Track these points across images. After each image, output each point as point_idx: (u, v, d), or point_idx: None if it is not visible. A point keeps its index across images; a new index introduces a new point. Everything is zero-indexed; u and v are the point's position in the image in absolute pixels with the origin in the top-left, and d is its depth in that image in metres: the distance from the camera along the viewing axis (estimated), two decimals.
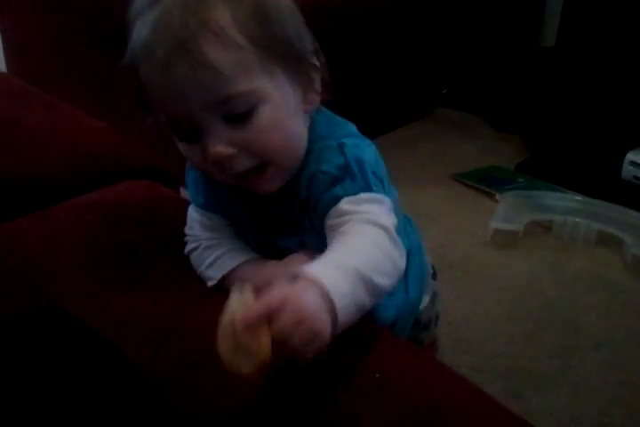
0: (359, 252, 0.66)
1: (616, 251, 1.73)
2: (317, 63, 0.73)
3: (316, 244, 0.75)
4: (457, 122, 2.53)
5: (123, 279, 0.82)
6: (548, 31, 2.44)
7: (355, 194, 0.70)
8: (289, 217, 0.77)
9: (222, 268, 0.81)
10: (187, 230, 0.86)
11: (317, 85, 0.73)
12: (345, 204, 0.70)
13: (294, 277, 0.61)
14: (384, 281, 0.66)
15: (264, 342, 0.55)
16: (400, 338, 0.87)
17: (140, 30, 0.66)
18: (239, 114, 0.67)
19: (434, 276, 1.04)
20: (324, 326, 0.58)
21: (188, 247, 0.85)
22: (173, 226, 0.89)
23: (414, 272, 0.87)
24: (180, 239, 0.87)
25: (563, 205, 1.85)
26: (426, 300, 0.98)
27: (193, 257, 0.85)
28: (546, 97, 2.21)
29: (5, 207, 0.95)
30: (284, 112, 0.70)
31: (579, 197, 1.90)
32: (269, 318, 0.56)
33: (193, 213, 0.85)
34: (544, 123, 2.22)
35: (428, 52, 2.45)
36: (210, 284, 0.81)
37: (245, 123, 0.68)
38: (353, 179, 0.71)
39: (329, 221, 0.71)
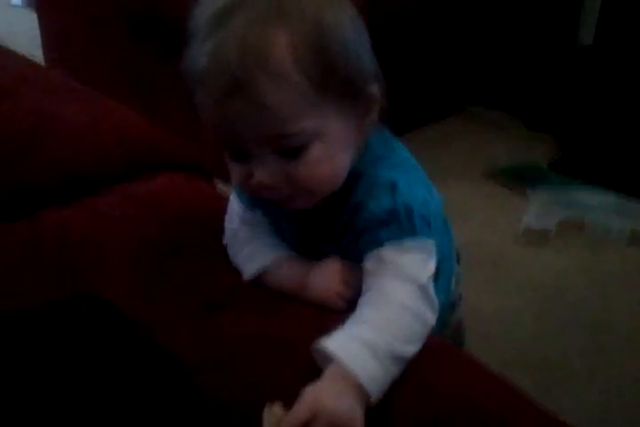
0: (391, 326, 0.67)
1: None
2: (376, 92, 0.72)
3: (354, 256, 0.75)
4: (489, 120, 2.53)
5: (163, 271, 0.84)
6: (585, 29, 2.42)
7: (399, 239, 0.71)
8: (328, 229, 0.78)
9: (256, 262, 0.82)
10: (226, 222, 0.87)
11: (374, 115, 0.73)
12: (387, 250, 0.71)
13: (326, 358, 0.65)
14: (414, 348, 0.68)
15: None
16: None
17: (198, 57, 0.66)
18: (290, 149, 0.67)
19: (457, 259, 1.04)
20: (356, 422, 0.62)
21: (226, 239, 0.87)
22: (211, 218, 0.91)
23: (443, 280, 0.86)
24: (218, 232, 0.88)
25: (595, 203, 1.85)
26: (452, 283, 0.98)
27: (230, 249, 0.86)
28: (581, 96, 2.20)
29: (48, 198, 0.97)
30: (336, 147, 0.70)
31: (612, 196, 1.89)
32: None
33: (234, 206, 0.86)
34: (578, 122, 2.21)
35: (462, 49, 2.44)
36: (245, 277, 0.82)
37: (296, 157, 0.68)
38: (399, 225, 0.71)
39: (367, 263, 0.72)
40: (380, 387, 0.64)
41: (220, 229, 0.88)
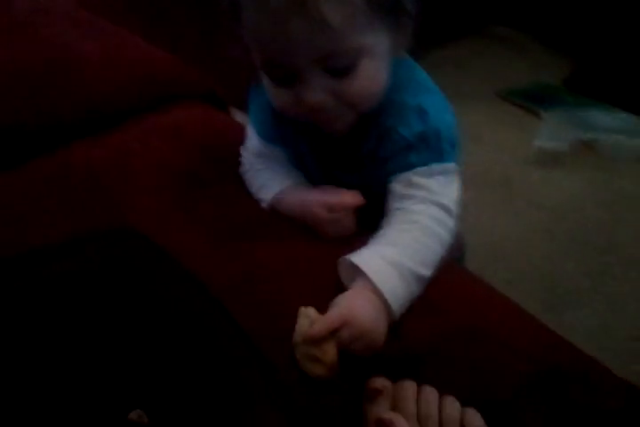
0: (417, 248, 0.72)
1: None
2: (412, 9, 0.72)
3: (375, 182, 0.79)
4: (507, 39, 2.49)
5: (187, 198, 0.88)
6: None
7: (426, 164, 0.74)
8: (353, 157, 0.80)
9: (270, 190, 0.86)
10: (242, 152, 0.91)
11: (408, 32, 0.73)
12: (415, 175, 0.75)
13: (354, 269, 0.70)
14: (434, 270, 0.73)
15: (329, 352, 0.65)
16: None
17: None
18: (342, 66, 0.68)
19: None
20: (380, 336, 0.67)
21: (242, 169, 0.91)
22: (229, 147, 0.94)
23: None
24: (236, 160, 0.92)
25: (608, 123, 1.85)
26: None
27: (246, 178, 0.90)
28: (597, 13, 2.15)
29: (71, 132, 1.00)
30: (380, 64, 0.71)
31: (624, 115, 1.89)
32: (333, 332, 0.65)
33: (252, 138, 0.89)
34: (595, 39, 2.18)
35: None
36: (262, 205, 0.87)
37: (345, 75, 0.69)
38: (428, 148, 0.74)
39: (395, 185, 0.76)
40: (402, 305, 0.70)
41: (237, 156, 0.91)
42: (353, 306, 0.67)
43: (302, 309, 0.68)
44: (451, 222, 0.75)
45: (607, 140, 1.79)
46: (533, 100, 2.07)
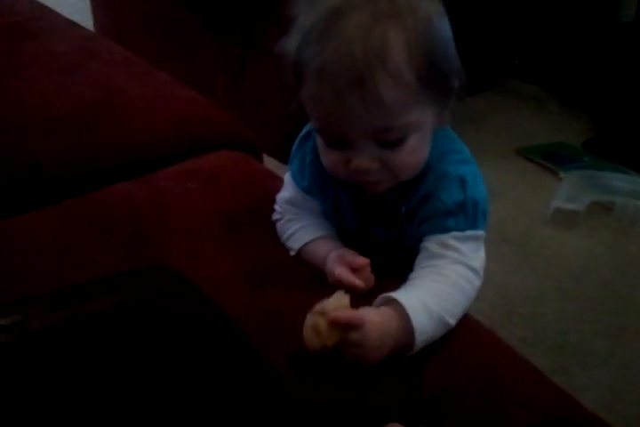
0: (445, 298, 0.78)
1: None
2: (456, 86, 0.78)
3: (408, 239, 0.85)
4: (527, 95, 2.54)
5: (221, 241, 0.92)
6: (627, 6, 2.41)
7: (462, 230, 0.80)
8: (391, 215, 0.85)
9: (299, 241, 0.90)
10: (277, 200, 0.95)
11: (452, 105, 0.79)
12: (451, 238, 0.80)
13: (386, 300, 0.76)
14: (456, 321, 0.78)
15: (333, 336, 0.70)
16: None
17: (320, 51, 0.70)
18: (391, 140, 0.74)
19: None
20: (375, 357, 0.72)
21: (275, 216, 0.95)
22: (262, 194, 0.99)
23: None
24: (269, 208, 0.95)
25: (626, 186, 1.88)
26: None
27: (278, 226, 0.94)
28: (619, 74, 2.20)
29: (112, 173, 1.05)
30: (426, 137, 0.78)
31: None
32: (346, 325, 0.71)
33: (289, 188, 0.93)
34: (615, 101, 2.22)
35: (502, 22, 2.45)
36: (291, 253, 0.91)
37: (394, 147, 0.75)
38: (465, 216, 0.80)
39: (430, 244, 0.81)
40: (424, 341, 0.75)
41: (270, 204, 0.95)
42: (377, 320, 0.73)
43: (340, 292, 0.74)
44: (477, 282, 0.81)
45: (625, 203, 1.82)
46: (552, 159, 2.11)
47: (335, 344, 0.71)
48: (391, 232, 0.86)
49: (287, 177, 0.93)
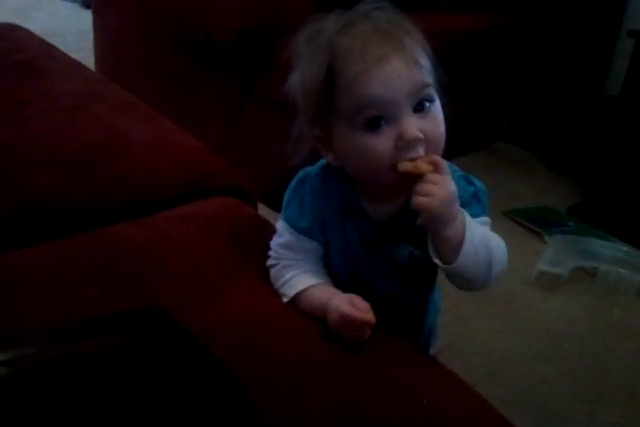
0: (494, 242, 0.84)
1: None
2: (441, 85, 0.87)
3: (424, 257, 0.87)
4: (514, 158, 2.60)
5: (216, 287, 0.93)
6: (613, 79, 2.49)
7: (478, 216, 0.85)
8: (413, 233, 0.87)
9: (294, 288, 0.91)
10: (272, 246, 0.96)
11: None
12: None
13: None
14: (498, 262, 0.83)
15: (424, 166, 0.79)
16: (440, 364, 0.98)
17: (348, 42, 0.80)
18: (426, 101, 0.81)
19: None
20: (440, 203, 0.78)
21: (269, 262, 0.96)
22: (256, 242, 1.00)
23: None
24: (263, 255, 0.96)
25: (610, 254, 1.92)
26: None
27: (272, 273, 0.95)
28: (605, 144, 2.26)
29: (109, 212, 1.06)
30: (441, 115, 0.84)
31: (626, 248, 1.96)
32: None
33: (283, 232, 0.94)
34: (601, 169, 2.28)
35: (493, 87, 2.52)
36: (285, 300, 0.92)
37: (426, 113, 0.81)
38: (479, 204, 0.87)
39: None
40: (468, 248, 0.79)
41: (264, 251, 0.96)
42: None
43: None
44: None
45: (608, 271, 1.85)
46: (537, 222, 2.15)
47: (422, 173, 0.78)
48: (405, 250, 0.89)
49: (280, 224, 0.95)
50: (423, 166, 0.78)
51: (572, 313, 1.74)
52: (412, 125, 0.79)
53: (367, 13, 0.83)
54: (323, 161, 0.92)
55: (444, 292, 1.02)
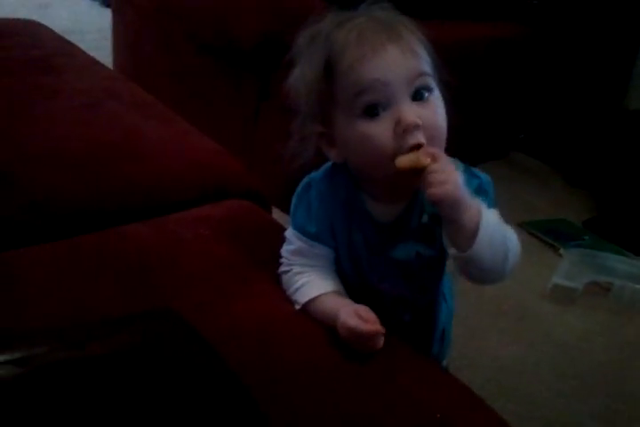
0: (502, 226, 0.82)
1: None
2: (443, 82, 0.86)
3: (431, 255, 0.88)
4: (531, 169, 2.58)
5: (228, 291, 0.91)
6: (633, 93, 2.47)
7: (487, 208, 0.82)
8: (420, 231, 0.87)
9: (305, 295, 0.90)
10: (283, 252, 0.94)
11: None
12: None
13: None
14: (513, 249, 0.82)
15: (425, 158, 0.78)
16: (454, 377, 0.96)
17: (345, 34, 0.81)
18: (423, 90, 0.81)
19: None
20: (451, 188, 0.76)
21: (281, 269, 0.94)
22: (270, 246, 0.98)
23: (447, 285, 0.99)
24: (276, 260, 0.95)
25: (625, 269, 1.89)
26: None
27: (284, 279, 0.94)
28: (624, 158, 2.24)
29: (122, 211, 1.05)
30: (441, 105, 0.83)
31: None
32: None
33: (293, 239, 0.93)
34: (618, 184, 2.26)
35: (512, 97, 2.50)
36: (296, 307, 0.90)
37: (424, 102, 0.81)
38: (486, 196, 0.84)
39: None
40: (483, 235, 0.78)
41: (278, 257, 0.95)
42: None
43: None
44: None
45: (623, 286, 1.82)
46: (552, 235, 2.12)
47: (422, 167, 0.77)
48: (411, 251, 0.88)
49: (289, 231, 0.94)
50: (423, 158, 0.77)
51: (586, 328, 1.71)
52: (410, 111, 0.79)
53: (366, 10, 0.84)
54: (327, 166, 0.91)
55: (457, 303, 1.01)
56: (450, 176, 0.77)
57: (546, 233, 2.12)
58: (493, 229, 0.79)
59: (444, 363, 1.06)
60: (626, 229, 2.16)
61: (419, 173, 0.77)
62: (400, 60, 0.80)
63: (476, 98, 2.27)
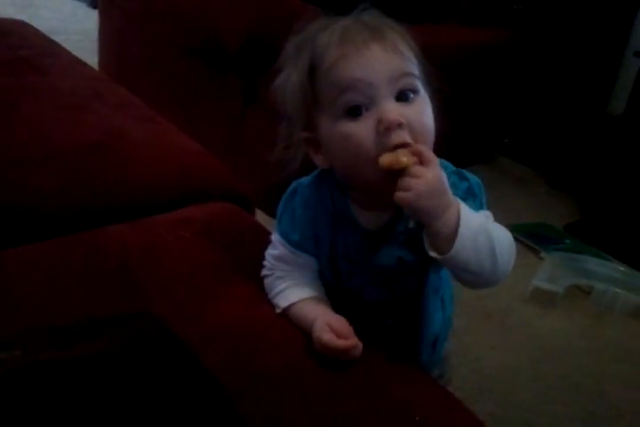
0: (495, 228, 0.81)
1: None
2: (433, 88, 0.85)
3: (413, 261, 0.86)
4: (514, 173, 2.60)
5: (210, 294, 0.92)
6: (617, 99, 2.49)
7: (476, 211, 0.81)
8: (406, 237, 0.86)
9: (286, 299, 0.91)
10: (267, 256, 0.95)
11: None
12: None
13: None
14: (503, 251, 0.80)
15: (407, 158, 0.76)
16: (436, 378, 1.00)
17: (328, 35, 0.81)
18: (408, 91, 0.80)
19: None
20: (423, 194, 0.75)
21: (264, 272, 0.95)
22: (253, 249, 0.99)
23: (448, 293, 0.97)
24: (258, 263, 0.95)
25: (606, 273, 1.91)
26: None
27: (266, 282, 0.94)
28: (606, 163, 2.26)
29: (106, 215, 1.05)
30: (429, 108, 0.82)
31: (622, 268, 1.96)
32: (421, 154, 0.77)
33: (277, 244, 0.93)
34: (600, 188, 2.28)
35: (496, 102, 2.52)
36: (277, 311, 0.91)
37: (409, 102, 0.80)
38: (474, 199, 0.83)
39: None
40: (463, 234, 0.76)
41: (259, 258, 0.95)
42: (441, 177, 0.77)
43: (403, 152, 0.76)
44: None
45: (603, 290, 1.84)
46: (534, 238, 2.14)
47: (403, 167, 0.75)
48: (393, 259, 0.87)
49: (275, 236, 0.94)
50: (405, 158, 0.75)
51: (566, 331, 1.73)
52: (391, 110, 0.78)
53: (354, 15, 0.84)
54: (316, 172, 0.91)
55: None
56: (419, 184, 0.75)
57: (527, 236, 2.13)
58: (476, 231, 0.77)
59: (437, 372, 1.06)
60: (607, 232, 2.18)
61: (401, 174, 0.76)
62: (382, 58, 0.79)
63: (461, 102, 2.28)
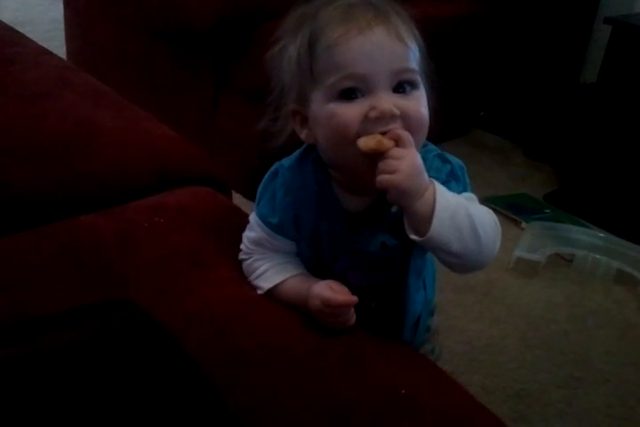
0: (474, 207, 0.80)
1: (632, 290, 1.81)
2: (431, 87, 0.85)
3: (396, 245, 0.86)
4: (491, 146, 2.60)
5: (189, 278, 0.91)
6: (589, 67, 2.50)
7: (459, 193, 0.81)
8: (389, 223, 0.85)
9: (269, 281, 0.90)
10: (243, 238, 0.94)
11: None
12: None
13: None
14: (487, 229, 0.78)
15: (388, 143, 0.76)
16: (422, 353, 0.99)
17: (331, 11, 0.79)
18: (406, 84, 0.79)
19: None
20: (404, 177, 0.75)
21: (241, 256, 0.94)
22: (230, 232, 0.98)
23: (430, 275, 0.98)
24: (236, 245, 0.95)
25: (586, 240, 1.92)
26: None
27: (244, 266, 0.94)
28: (581, 131, 2.27)
29: (80, 204, 1.03)
30: (425, 104, 0.81)
31: (602, 234, 1.97)
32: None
33: (255, 226, 0.92)
34: (577, 156, 2.28)
35: (470, 75, 2.51)
36: (259, 292, 0.91)
37: (407, 95, 0.79)
38: (457, 181, 0.83)
39: None
40: (441, 218, 0.76)
41: (238, 243, 0.94)
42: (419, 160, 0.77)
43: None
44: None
45: (585, 256, 1.86)
46: (514, 209, 2.15)
47: (384, 150, 0.75)
48: (376, 243, 0.87)
49: (252, 217, 0.93)
50: (385, 142, 0.75)
51: (550, 299, 1.75)
52: (387, 100, 0.77)
53: None
54: (297, 152, 0.90)
55: None
56: (403, 165, 0.75)
57: (507, 208, 2.14)
58: (454, 209, 0.76)
59: (428, 347, 1.07)
60: (586, 200, 2.20)
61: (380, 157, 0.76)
62: (385, 45, 0.77)
63: (436, 76, 2.27)
